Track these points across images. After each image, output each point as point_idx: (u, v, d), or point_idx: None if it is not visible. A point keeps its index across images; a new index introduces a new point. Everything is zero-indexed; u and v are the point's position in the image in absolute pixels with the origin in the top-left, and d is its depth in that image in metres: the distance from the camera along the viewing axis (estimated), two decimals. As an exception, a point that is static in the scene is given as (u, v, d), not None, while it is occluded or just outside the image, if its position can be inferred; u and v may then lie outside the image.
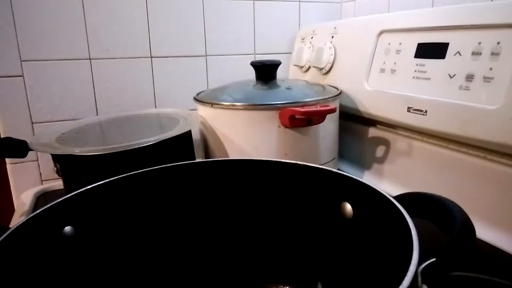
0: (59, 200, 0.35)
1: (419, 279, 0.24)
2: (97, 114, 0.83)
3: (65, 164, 0.61)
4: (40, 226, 0.32)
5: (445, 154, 0.59)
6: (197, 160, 0.45)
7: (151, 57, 0.86)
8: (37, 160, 0.80)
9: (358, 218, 0.38)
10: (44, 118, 0.78)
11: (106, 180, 0.38)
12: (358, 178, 0.38)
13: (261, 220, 0.44)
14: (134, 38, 0.83)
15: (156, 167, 0.42)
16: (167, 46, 0.87)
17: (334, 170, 0.40)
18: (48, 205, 0.34)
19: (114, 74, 0.83)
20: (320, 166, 0.41)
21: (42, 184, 0.80)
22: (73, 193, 0.36)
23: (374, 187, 0.36)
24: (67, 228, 0.35)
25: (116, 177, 0.39)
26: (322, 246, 0.42)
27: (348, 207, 0.39)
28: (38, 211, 0.33)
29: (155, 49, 0.86)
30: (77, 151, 0.57)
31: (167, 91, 0.89)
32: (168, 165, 0.43)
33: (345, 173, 0.39)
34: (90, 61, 0.81)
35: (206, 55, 0.91)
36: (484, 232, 0.52)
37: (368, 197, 0.36)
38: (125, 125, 0.75)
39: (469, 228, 0.26)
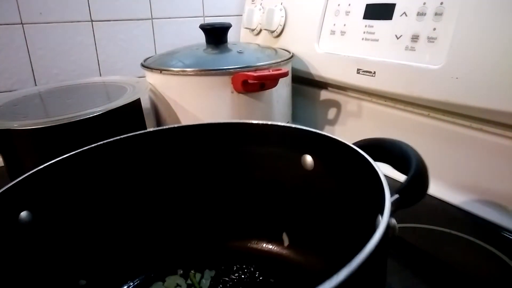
0: (13, 183, 0.31)
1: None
2: (36, 85, 0.77)
3: (4, 140, 0.56)
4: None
5: (393, 114, 0.61)
6: (152, 129, 0.43)
7: (92, 21, 0.80)
8: (-29, 136, 0.73)
9: (320, 168, 0.39)
10: (-26, 91, 0.72)
11: (60, 158, 0.35)
12: (316, 130, 0.39)
13: (224, 181, 0.44)
14: (70, 0, 0.77)
15: (112, 139, 0.40)
16: (109, 9, 0.81)
17: (292, 125, 0.40)
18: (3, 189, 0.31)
19: (51, 40, 0.77)
20: (277, 123, 0.41)
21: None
22: (27, 174, 0.32)
23: (333, 137, 0.37)
24: (23, 213, 0.32)
25: (69, 154, 0.36)
26: (285, 199, 0.43)
27: (309, 158, 0.40)
28: None
29: (95, 13, 0.80)
30: (16, 125, 0.53)
31: (112, 58, 0.84)
32: (123, 136, 0.40)
33: (302, 127, 0.40)
34: (23, 26, 0.74)
35: (152, 18, 0.86)
36: (433, 187, 0.55)
37: (328, 147, 0.37)
38: (68, 95, 0.70)
39: (424, 166, 0.30)
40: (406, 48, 0.55)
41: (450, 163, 0.54)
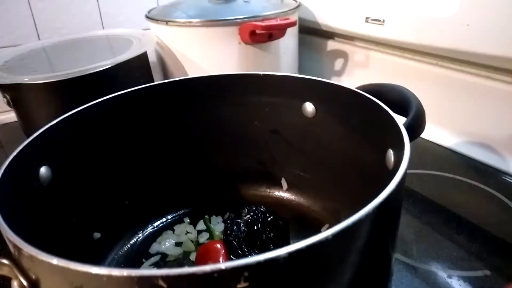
0: (30, 138, 0.32)
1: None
2: (39, 39, 0.76)
3: (16, 95, 0.57)
4: (20, 168, 0.29)
5: (401, 63, 0.61)
6: (161, 82, 0.43)
7: (92, -29, 0.77)
8: (-20, 93, 0.74)
9: (321, 115, 0.40)
10: (-21, 46, 0.71)
11: (73, 112, 0.36)
12: (316, 78, 0.39)
13: (224, 131, 0.45)
14: (68, -51, 0.74)
15: (122, 92, 0.40)
16: (108, -42, 0.78)
17: (294, 74, 0.41)
18: (25, 143, 0.31)
19: (52, -8, 0.75)
20: (280, 73, 0.41)
21: (-10, 118, 0.76)
22: (42, 130, 0.33)
23: (334, 82, 0.38)
24: (43, 169, 0.33)
25: (81, 108, 0.37)
26: (285, 146, 0.44)
27: (310, 106, 0.40)
28: (16, 152, 0.29)
29: (94, -38, 0.77)
30: (26, 79, 0.54)
31: (114, 10, 0.82)
32: (132, 89, 0.41)
33: (302, 76, 0.40)
34: (22, -22, 0.72)
35: (153, -33, 0.83)
36: (435, 134, 0.57)
37: (329, 93, 0.38)
38: (73, 49, 0.70)
39: (422, 108, 0.33)
40: (417, -6, 0.54)
41: (457, 111, 0.55)
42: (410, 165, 0.52)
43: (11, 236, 0.20)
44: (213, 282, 0.17)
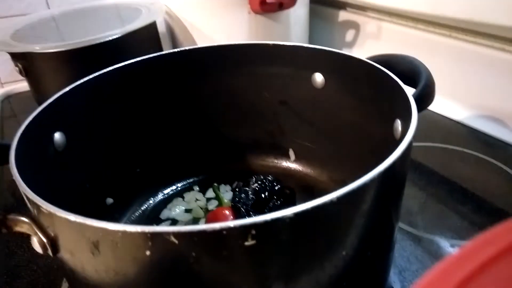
0: (43, 105, 0.32)
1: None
2: (49, 8, 0.76)
3: (28, 63, 0.57)
4: (35, 134, 0.30)
5: (413, 34, 0.60)
6: (170, 51, 0.44)
7: None
8: (-8, 62, 0.74)
9: (330, 85, 0.40)
10: (-11, 14, 0.71)
11: (83, 80, 0.36)
12: (326, 48, 0.39)
13: (239, 100, 0.45)
14: None
15: (131, 61, 0.40)
16: None
17: (304, 44, 0.41)
18: (40, 110, 0.32)
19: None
20: (290, 43, 0.41)
21: (3, 87, 0.77)
22: (54, 97, 0.33)
23: (343, 52, 0.37)
24: (57, 134, 0.33)
25: (91, 76, 0.37)
26: (293, 117, 0.45)
27: (319, 77, 0.40)
28: (32, 118, 0.30)
29: None
30: (38, 48, 0.54)
31: (123, -22, 0.81)
32: (142, 58, 0.41)
33: (311, 45, 0.40)
34: None
35: None
36: (445, 107, 0.56)
37: (339, 63, 0.38)
38: (82, 18, 0.70)
39: (432, 78, 0.32)
40: (433, -38, 0.52)
41: (469, 84, 0.54)
42: (418, 138, 0.52)
43: (30, 195, 0.21)
44: (222, 239, 0.17)
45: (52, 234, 0.22)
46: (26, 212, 0.23)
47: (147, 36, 0.64)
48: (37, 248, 0.22)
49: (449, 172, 0.46)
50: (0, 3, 0.72)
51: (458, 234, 0.37)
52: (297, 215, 0.18)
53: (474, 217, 0.39)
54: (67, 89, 0.34)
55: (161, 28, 0.69)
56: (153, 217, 0.42)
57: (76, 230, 0.20)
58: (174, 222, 0.41)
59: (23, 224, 0.23)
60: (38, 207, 0.20)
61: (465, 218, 0.39)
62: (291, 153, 0.47)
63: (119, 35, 0.56)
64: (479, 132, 0.52)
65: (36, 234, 0.22)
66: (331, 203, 0.18)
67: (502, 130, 0.51)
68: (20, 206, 0.24)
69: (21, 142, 0.27)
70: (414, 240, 0.37)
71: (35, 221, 0.22)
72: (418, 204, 0.42)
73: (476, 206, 0.41)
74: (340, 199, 0.19)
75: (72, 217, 0.19)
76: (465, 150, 0.48)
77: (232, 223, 0.17)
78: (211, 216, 0.38)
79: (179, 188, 0.46)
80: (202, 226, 0.17)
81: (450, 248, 0.36)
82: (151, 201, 0.44)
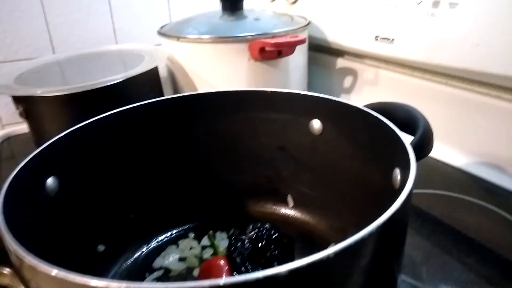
0: (39, 149, 0.32)
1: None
2: (54, 53, 0.78)
3: (29, 106, 0.58)
4: (27, 178, 0.30)
5: (410, 82, 0.61)
6: (169, 96, 0.44)
7: (107, -12, 0.80)
8: (-5, 104, 0.75)
9: (328, 132, 0.40)
10: (-4, 59, 0.73)
11: (81, 124, 0.36)
12: (324, 95, 0.39)
13: (237, 146, 0.45)
14: (86, -33, 0.76)
15: (131, 106, 0.41)
16: (123, -24, 0.80)
17: (300, 91, 0.41)
18: (33, 154, 0.31)
19: (68, 8, 0.77)
20: (287, 91, 0.42)
21: (3, 128, 0.77)
22: (51, 141, 0.33)
23: (342, 100, 0.38)
24: (50, 179, 0.33)
25: (90, 120, 0.37)
26: (291, 163, 0.44)
27: (317, 123, 0.40)
28: (24, 163, 0.30)
29: (110, -20, 0.79)
30: (39, 91, 0.55)
31: (127, 26, 0.84)
32: (142, 103, 0.42)
33: (310, 93, 0.40)
34: (40, -6, 0.74)
35: (167, -14, 0.85)
36: (445, 153, 0.56)
37: (337, 110, 0.38)
38: (86, 63, 0.72)
39: (430, 127, 0.32)
40: (427, 14, 0.54)
41: (467, 131, 0.54)
42: (419, 185, 0.51)
43: (13, 246, 0.20)
44: (211, 298, 0.16)
45: (34, 288, 0.21)
46: (8, 262, 0.22)
47: (149, 81, 0.65)
48: (18, 302, 0.21)
49: (452, 220, 0.44)
50: (7, 48, 0.74)
51: (464, 287, 0.36)
52: (291, 272, 0.17)
53: (480, 269, 0.38)
54: (62, 134, 0.34)
55: (163, 73, 0.70)
56: (146, 265, 0.40)
57: (58, 285, 0.19)
58: (167, 271, 0.39)
59: (4, 276, 0.21)
60: (20, 259, 0.19)
61: (471, 270, 0.38)
62: (290, 199, 0.46)
63: (121, 80, 0.57)
64: (480, 179, 0.51)
65: (17, 287, 0.21)
66: (327, 260, 0.18)
67: (502, 177, 0.50)
68: (6, 256, 0.22)
69: (10, 189, 0.26)
70: (418, 293, 0.36)
71: (17, 273, 0.21)
72: (421, 254, 0.40)
73: (482, 257, 0.39)
74: (338, 254, 0.18)
75: (54, 271, 0.18)
76: (467, 197, 0.47)
77: (222, 281, 0.16)
78: (205, 267, 0.37)
79: (174, 235, 0.44)
80: (190, 284, 0.16)
81: (456, 303, 0.34)
82: (144, 249, 0.42)
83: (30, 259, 0.19)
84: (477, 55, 0.48)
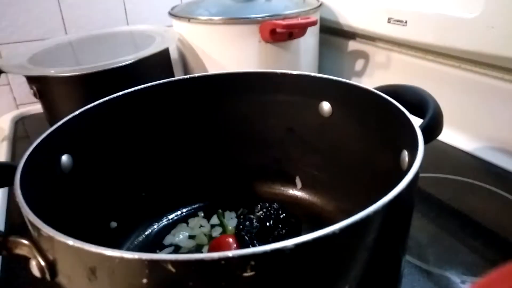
0: (52, 128, 0.33)
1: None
2: (66, 34, 0.79)
3: (42, 86, 0.59)
4: (43, 155, 0.31)
5: (423, 65, 0.60)
6: (180, 77, 0.44)
7: (119, -31, 0.79)
8: (9, 84, 0.77)
9: (337, 114, 0.40)
10: (10, 39, 0.74)
11: (94, 104, 0.37)
12: (333, 77, 0.39)
13: (246, 127, 0.46)
14: None
15: (142, 86, 0.41)
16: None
17: (311, 73, 0.41)
18: (49, 132, 0.32)
19: (80, -12, 0.77)
20: (297, 72, 0.41)
21: (18, 108, 0.79)
22: (64, 120, 0.34)
23: (351, 82, 0.37)
24: (64, 157, 0.33)
25: (102, 100, 0.38)
26: (300, 145, 0.44)
27: (326, 105, 0.40)
28: (40, 140, 0.31)
29: (122, -40, 0.79)
30: (52, 71, 0.55)
31: (138, 7, 0.84)
32: (153, 83, 0.42)
33: (319, 74, 0.40)
34: (52, -25, 0.74)
35: (178, -34, 0.84)
36: (456, 138, 0.56)
37: (346, 92, 0.38)
38: (98, 44, 0.72)
39: (440, 109, 0.32)
40: (441, -5, 0.53)
41: (479, 115, 0.54)
42: (428, 169, 0.51)
43: (31, 217, 0.21)
44: (220, 269, 0.17)
45: (51, 258, 0.22)
46: (27, 235, 0.23)
47: (160, 62, 0.65)
48: (35, 272, 0.22)
49: (460, 204, 0.44)
50: (20, 28, 0.74)
51: (470, 270, 0.36)
52: (297, 246, 0.17)
53: (486, 252, 0.38)
54: (76, 113, 0.35)
55: (174, 54, 0.70)
56: (156, 242, 0.41)
57: (74, 255, 0.19)
58: (177, 248, 0.40)
59: (23, 247, 0.23)
60: (38, 229, 0.20)
61: (477, 252, 0.38)
62: (298, 181, 0.47)
63: (132, 61, 0.58)
64: (491, 164, 0.51)
65: (35, 257, 0.22)
66: (333, 235, 0.18)
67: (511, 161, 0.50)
68: (24, 229, 0.23)
69: (27, 164, 0.27)
70: (423, 274, 0.36)
71: (35, 244, 0.22)
72: (427, 237, 0.41)
73: (488, 241, 0.39)
74: (343, 231, 0.18)
75: (71, 241, 0.19)
76: (476, 182, 0.47)
77: (230, 253, 0.17)
78: (214, 244, 0.38)
79: (184, 214, 0.45)
80: (200, 255, 0.17)
81: (461, 284, 0.35)
82: (155, 226, 0.43)
83: (48, 230, 0.20)
84: (491, 38, 0.47)
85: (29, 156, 0.28)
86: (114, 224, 0.40)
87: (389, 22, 0.61)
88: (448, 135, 0.55)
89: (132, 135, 0.41)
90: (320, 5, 0.69)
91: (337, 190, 0.43)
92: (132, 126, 0.41)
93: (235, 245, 0.36)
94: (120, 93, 0.40)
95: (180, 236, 0.42)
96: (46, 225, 0.20)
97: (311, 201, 0.46)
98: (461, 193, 0.46)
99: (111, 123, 0.39)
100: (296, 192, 0.47)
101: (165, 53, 0.66)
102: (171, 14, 0.69)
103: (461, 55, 0.53)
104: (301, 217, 0.40)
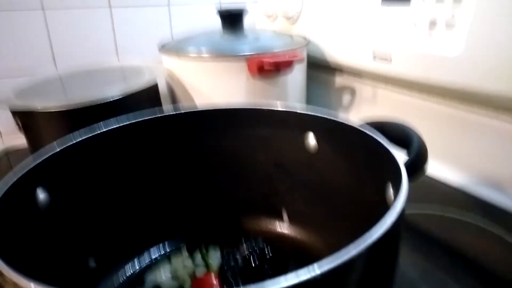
0: (33, 164, 0.32)
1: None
2: (56, 68, 0.79)
3: (28, 121, 0.58)
4: (18, 191, 0.30)
5: (408, 101, 0.61)
6: (168, 113, 0.44)
7: (110, 7, 0.81)
8: (-5, 118, 0.76)
9: (323, 150, 0.40)
10: (-2, 73, 0.74)
11: (78, 139, 0.37)
12: (318, 114, 0.39)
13: (233, 162, 0.45)
14: (90, -15, 0.78)
15: (130, 122, 0.41)
16: (127, -5, 0.82)
17: (297, 110, 0.41)
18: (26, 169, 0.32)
19: (71, 25, 0.78)
20: (283, 108, 0.42)
21: (3, 143, 0.77)
22: (47, 155, 0.33)
23: (336, 118, 0.38)
24: (41, 193, 0.32)
25: (87, 136, 0.38)
26: (287, 180, 0.44)
27: (312, 141, 0.41)
28: (16, 178, 0.30)
29: (114, -2, 0.81)
30: (39, 107, 0.55)
31: (129, 43, 0.85)
32: (140, 119, 0.42)
33: (307, 111, 0.41)
34: (44, 12, 0.75)
35: (169, 5, 0.87)
36: (443, 173, 0.56)
37: (331, 128, 0.38)
38: (88, 79, 0.72)
39: (424, 145, 0.33)
40: (424, 34, 0.55)
41: (465, 150, 0.54)
42: (416, 205, 0.50)
43: (-4, 261, 0.20)
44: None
45: (17, 305, 0.20)
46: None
47: (148, 96, 0.65)
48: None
49: (450, 240, 0.44)
50: (10, 64, 0.75)
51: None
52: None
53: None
54: (57, 149, 0.34)
55: (163, 89, 0.71)
56: (138, 282, 0.40)
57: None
58: (158, 288, 0.39)
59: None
60: (2, 274, 0.19)
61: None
62: (285, 216, 0.46)
63: (120, 96, 0.58)
64: (478, 199, 0.51)
65: (-1, 303, 0.21)
66: (314, 280, 0.17)
67: (501, 197, 0.50)
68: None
69: (1, 200, 0.26)
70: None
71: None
72: (418, 273, 0.40)
73: (479, 278, 0.38)
74: (324, 275, 0.17)
75: (32, 286, 0.17)
76: (464, 218, 0.47)
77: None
78: (196, 285, 0.36)
79: (167, 251, 0.44)
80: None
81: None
82: (136, 266, 0.42)
83: (12, 274, 0.19)
84: (474, 75, 0.48)
85: (2, 196, 0.27)
86: (93, 264, 0.38)
87: (374, 59, 0.62)
88: (436, 170, 0.55)
89: (113, 170, 0.41)
90: (308, 43, 0.70)
91: (325, 225, 0.42)
92: (113, 161, 0.41)
93: (218, 286, 0.34)
94: (104, 130, 0.39)
95: (162, 276, 0.40)
96: (11, 269, 0.19)
97: (298, 237, 0.45)
98: (450, 229, 0.46)
99: (91, 159, 0.38)
100: (283, 227, 0.46)
101: (153, 88, 0.66)
102: (161, 50, 0.69)
103: (446, 92, 0.54)
104: (289, 254, 0.39)
